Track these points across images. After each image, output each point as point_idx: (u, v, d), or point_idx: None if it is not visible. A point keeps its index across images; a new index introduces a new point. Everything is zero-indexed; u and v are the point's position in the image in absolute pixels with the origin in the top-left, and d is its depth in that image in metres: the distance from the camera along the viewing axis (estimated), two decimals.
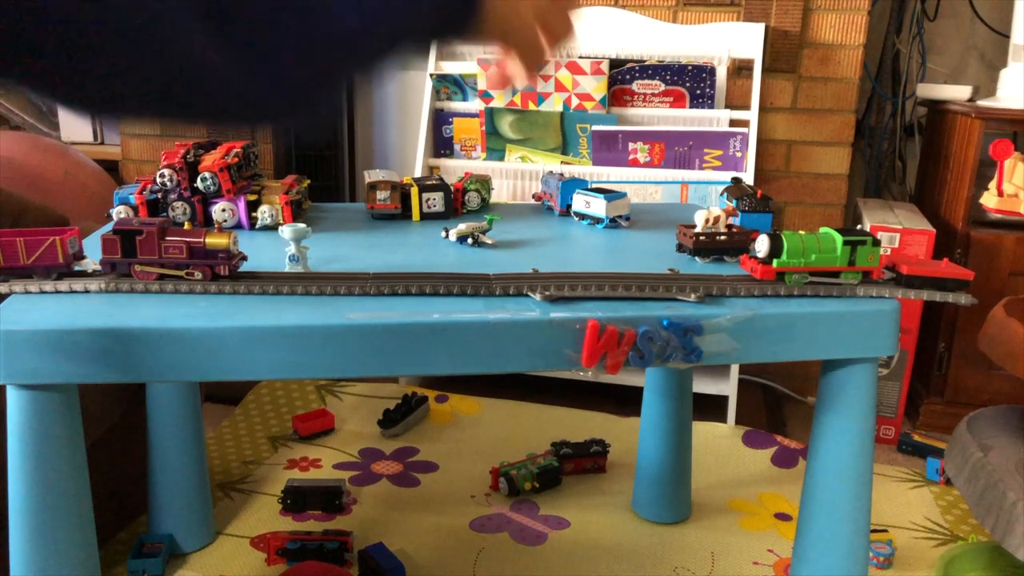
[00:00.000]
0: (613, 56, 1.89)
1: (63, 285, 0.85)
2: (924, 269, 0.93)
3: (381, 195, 1.24)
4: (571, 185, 1.29)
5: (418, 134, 2.08)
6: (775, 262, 0.91)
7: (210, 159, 1.14)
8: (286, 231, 0.96)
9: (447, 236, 1.14)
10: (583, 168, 1.87)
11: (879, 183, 2.26)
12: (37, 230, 0.86)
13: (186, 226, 0.89)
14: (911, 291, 0.93)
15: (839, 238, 0.91)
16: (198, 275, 0.87)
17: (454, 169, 1.94)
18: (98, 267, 0.88)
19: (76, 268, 0.88)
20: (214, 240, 0.86)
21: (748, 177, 1.77)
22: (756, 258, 0.93)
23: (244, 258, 0.90)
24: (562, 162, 1.91)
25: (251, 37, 0.48)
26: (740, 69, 1.94)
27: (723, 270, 1.01)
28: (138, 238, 0.86)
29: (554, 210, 1.32)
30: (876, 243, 0.92)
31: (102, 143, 2.51)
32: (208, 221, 1.15)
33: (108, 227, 1.14)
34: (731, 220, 1.12)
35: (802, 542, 1.03)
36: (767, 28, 1.91)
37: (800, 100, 1.96)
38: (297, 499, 1.47)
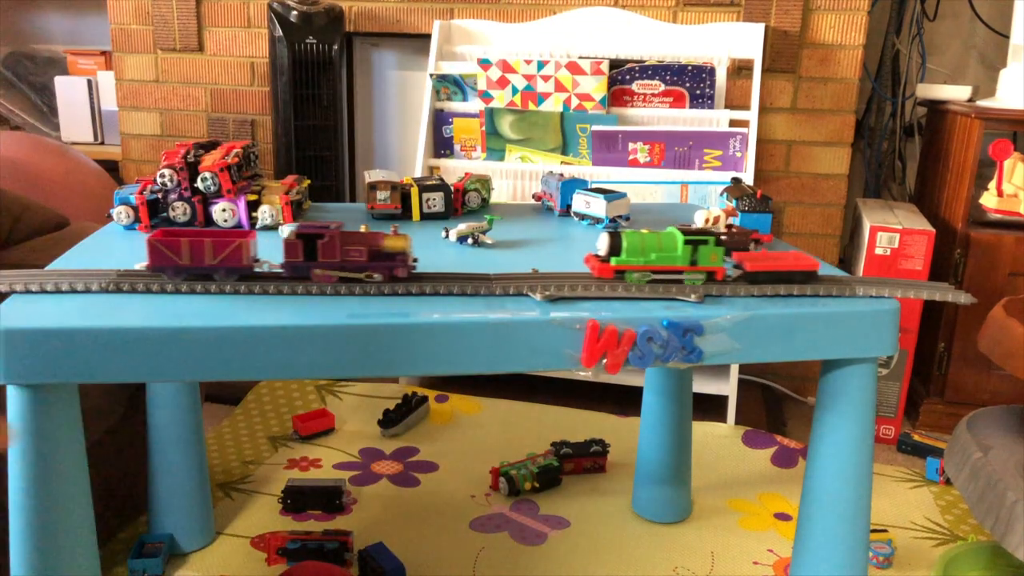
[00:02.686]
0: (613, 56, 1.89)
1: (64, 285, 0.85)
2: (768, 264, 0.91)
3: (381, 195, 1.24)
4: (571, 185, 1.29)
5: (418, 134, 2.08)
6: (614, 260, 0.89)
7: (210, 159, 1.14)
8: (286, 231, 0.96)
9: (447, 236, 1.14)
10: (583, 168, 1.87)
11: (879, 183, 2.26)
12: (222, 232, 0.88)
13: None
14: (754, 287, 0.91)
15: (680, 237, 0.90)
16: (377, 277, 0.88)
17: (454, 169, 1.94)
18: (277, 268, 0.89)
19: (256, 271, 0.89)
20: (392, 243, 0.88)
21: (748, 177, 1.77)
22: (597, 256, 0.91)
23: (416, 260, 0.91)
24: (562, 162, 1.91)
25: None
26: (740, 69, 1.94)
27: None
28: (320, 242, 0.86)
29: (554, 210, 1.32)
30: (719, 243, 0.91)
31: (102, 143, 2.51)
32: (208, 221, 1.15)
33: (108, 227, 1.14)
34: (731, 220, 1.12)
35: (802, 542, 1.03)
36: (767, 28, 1.91)
37: (800, 100, 1.96)
38: (297, 499, 1.47)
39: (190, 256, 0.86)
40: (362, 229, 0.89)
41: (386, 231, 0.90)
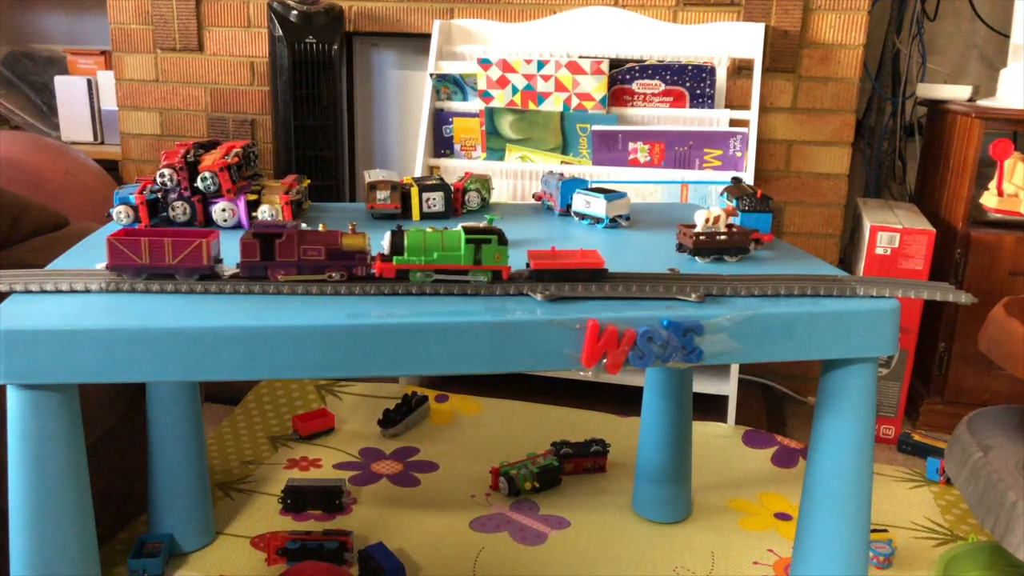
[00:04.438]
0: (613, 56, 1.89)
1: (64, 285, 0.85)
2: (553, 263, 0.90)
3: (381, 195, 1.24)
4: (571, 185, 1.29)
5: (418, 134, 2.08)
6: (396, 260, 0.88)
7: (210, 159, 1.14)
8: None
9: None
10: (583, 168, 1.87)
11: (879, 183, 2.26)
12: (182, 231, 0.87)
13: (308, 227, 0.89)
14: (539, 284, 0.90)
15: (462, 236, 0.89)
16: (336, 276, 0.87)
17: (454, 169, 1.94)
18: (235, 271, 0.88)
19: (219, 268, 0.89)
20: (351, 241, 0.87)
21: (748, 177, 1.77)
22: (380, 255, 0.90)
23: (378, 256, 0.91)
24: (562, 162, 1.91)
25: None
26: (740, 69, 1.94)
27: (723, 270, 1.01)
28: (277, 241, 0.86)
29: (554, 210, 1.32)
30: (502, 242, 0.90)
31: (102, 143, 2.51)
32: (208, 221, 1.15)
33: (108, 227, 1.14)
34: (731, 220, 1.12)
35: (802, 542, 1.03)
36: (767, 28, 1.91)
37: (800, 100, 1.96)
38: (297, 499, 1.47)
39: (149, 256, 0.85)
40: (320, 228, 0.88)
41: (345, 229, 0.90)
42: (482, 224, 0.93)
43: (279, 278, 0.87)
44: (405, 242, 0.88)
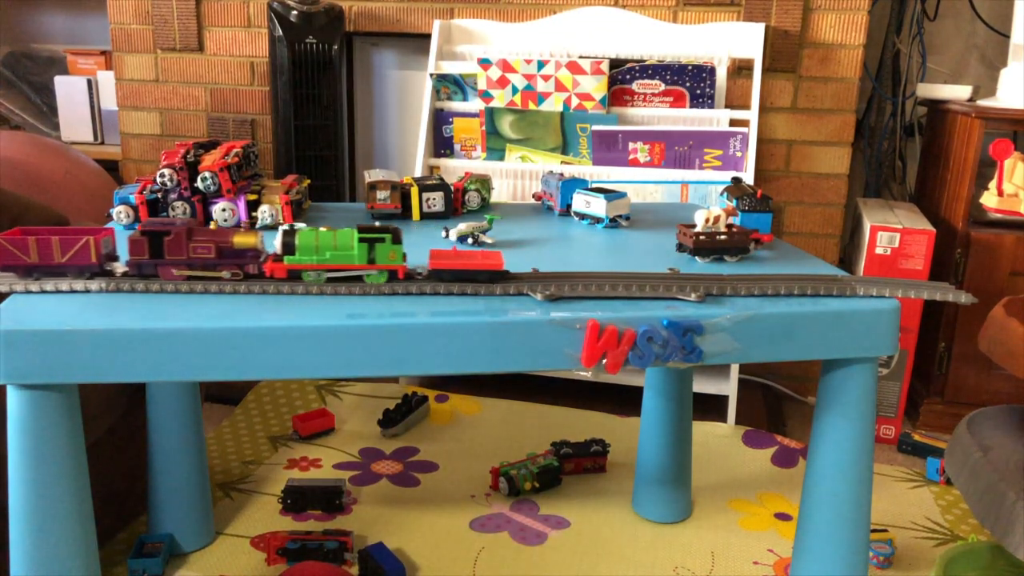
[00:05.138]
0: (613, 56, 1.89)
1: (63, 285, 0.85)
2: (452, 263, 0.89)
3: (381, 195, 1.24)
4: (571, 185, 1.29)
5: (418, 134, 2.08)
6: (287, 259, 0.88)
7: (210, 159, 1.14)
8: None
9: (447, 236, 1.14)
10: (583, 168, 1.87)
11: (879, 183, 2.26)
12: (72, 228, 0.85)
13: (213, 226, 0.89)
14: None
15: (355, 235, 0.88)
16: (227, 274, 0.87)
17: (454, 169, 1.94)
18: (126, 269, 0.88)
19: (107, 268, 0.87)
20: (242, 239, 0.86)
21: (748, 177, 1.77)
22: (272, 255, 0.89)
23: (270, 256, 0.90)
24: (562, 162, 1.91)
25: None
26: (740, 69, 1.94)
27: (723, 270, 1.01)
28: (166, 239, 0.85)
29: (554, 210, 1.32)
30: (397, 240, 0.88)
31: (102, 143, 2.51)
32: (208, 221, 1.15)
33: (107, 227, 1.14)
34: (731, 220, 1.12)
35: (802, 542, 1.03)
36: (767, 28, 1.91)
37: (800, 100, 1.96)
38: (297, 499, 1.47)
39: (38, 255, 0.84)
40: (211, 226, 0.88)
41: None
42: (378, 224, 0.93)
43: (169, 276, 0.86)
44: (297, 241, 0.87)
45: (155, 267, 0.86)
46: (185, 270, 0.86)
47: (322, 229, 0.88)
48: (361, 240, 0.87)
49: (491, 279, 0.90)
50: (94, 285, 0.86)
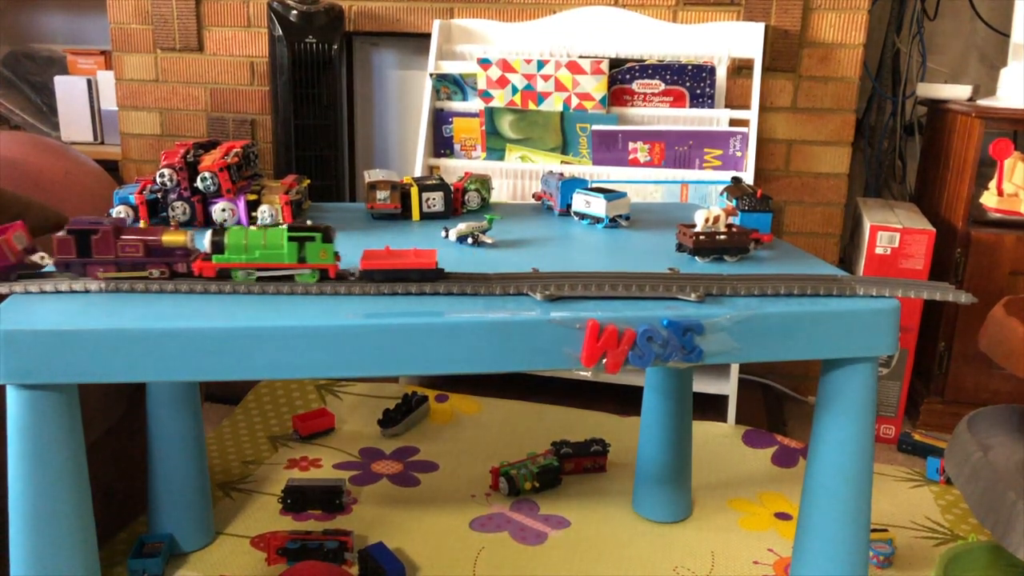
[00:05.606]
0: (613, 56, 1.89)
1: (63, 285, 0.85)
2: (383, 262, 0.89)
3: (381, 195, 1.24)
4: (571, 185, 1.29)
5: (418, 134, 2.08)
6: (216, 258, 0.87)
7: (210, 159, 1.14)
8: None
9: (447, 236, 1.14)
10: (583, 168, 1.87)
11: (879, 182, 2.26)
12: None
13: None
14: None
15: (285, 234, 0.87)
16: (155, 273, 0.86)
17: (454, 169, 1.94)
18: (52, 269, 0.86)
19: (31, 259, 0.86)
20: (171, 238, 0.85)
21: (748, 177, 1.77)
22: (202, 254, 0.89)
23: (199, 255, 0.89)
24: (562, 162, 1.91)
25: None
26: (740, 69, 1.94)
27: (723, 269, 1.01)
28: (93, 237, 0.84)
29: (554, 210, 1.32)
30: (327, 239, 0.88)
31: (102, 143, 2.51)
32: (208, 221, 1.15)
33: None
34: (731, 220, 1.12)
35: (802, 541, 1.03)
36: (767, 27, 1.91)
37: (800, 99, 1.96)
38: (297, 499, 1.47)
39: None
40: (141, 224, 0.87)
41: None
42: (309, 223, 0.92)
43: (97, 276, 0.85)
44: (226, 240, 0.86)
45: (83, 266, 0.85)
46: (113, 269, 0.85)
47: (252, 228, 0.88)
48: (291, 239, 0.87)
49: (423, 278, 0.89)
50: (94, 285, 0.86)
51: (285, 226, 0.88)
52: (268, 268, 0.87)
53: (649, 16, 1.93)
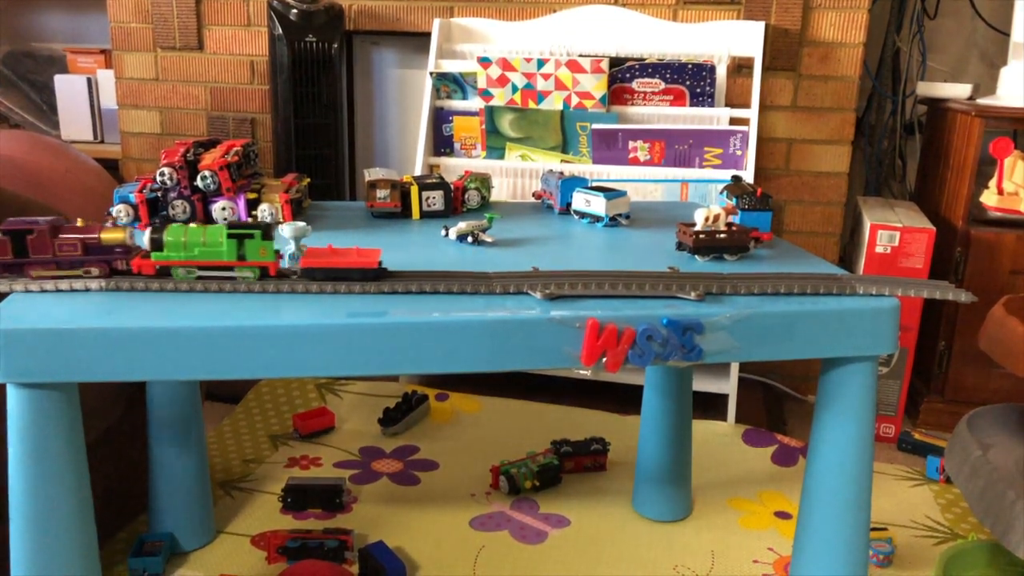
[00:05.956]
0: (613, 54, 1.89)
1: (63, 285, 0.85)
2: (324, 261, 0.88)
3: (381, 193, 1.24)
4: (571, 183, 1.29)
5: (418, 132, 2.08)
6: (154, 256, 0.86)
7: (210, 158, 1.14)
8: (286, 230, 0.96)
9: (447, 234, 1.14)
10: (583, 167, 1.87)
11: (879, 181, 2.26)
12: None
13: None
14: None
15: (224, 231, 0.86)
16: (95, 271, 0.85)
17: (454, 167, 1.94)
18: None
19: None
20: (109, 235, 0.85)
21: (748, 175, 1.77)
22: (141, 251, 0.88)
23: (139, 252, 0.88)
24: (562, 160, 1.91)
25: None
26: (740, 67, 1.94)
27: (723, 268, 1.01)
28: (29, 237, 0.84)
29: (554, 208, 1.32)
30: (267, 237, 0.87)
31: (102, 141, 2.51)
32: (208, 219, 1.15)
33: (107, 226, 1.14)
34: (731, 218, 1.12)
35: (802, 540, 1.03)
36: (767, 26, 1.90)
37: (800, 98, 1.96)
38: (297, 497, 1.47)
39: None
40: (78, 223, 0.87)
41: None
42: (250, 220, 0.92)
43: (33, 275, 0.84)
44: (165, 237, 0.86)
45: (22, 267, 0.84)
46: (53, 268, 0.85)
47: (192, 225, 0.87)
48: (230, 236, 0.86)
49: (363, 278, 0.88)
50: (94, 284, 0.86)
51: (225, 224, 0.87)
52: (208, 266, 0.87)
53: (649, 15, 1.93)
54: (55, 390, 0.79)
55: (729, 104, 1.92)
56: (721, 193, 1.20)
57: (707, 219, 1.06)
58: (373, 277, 0.89)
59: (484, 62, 1.89)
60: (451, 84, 1.96)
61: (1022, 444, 1.22)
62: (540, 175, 1.89)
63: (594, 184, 1.28)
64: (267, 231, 0.87)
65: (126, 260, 0.86)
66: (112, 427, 1.31)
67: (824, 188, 2.00)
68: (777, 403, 2.04)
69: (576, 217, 1.27)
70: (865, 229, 1.78)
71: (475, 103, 1.95)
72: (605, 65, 1.84)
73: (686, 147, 1.83)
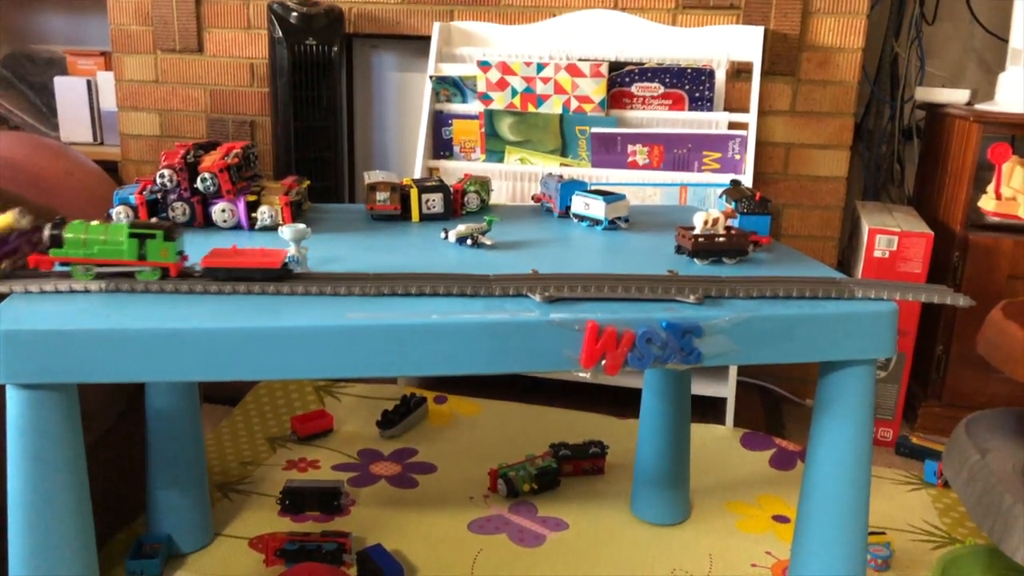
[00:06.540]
0: (612, 59, 1.89)
1: (63, 285, 0.85)
2: (226, 260, 0.87)
3: (381, 196, 1.24)
4: (570, 187, 1.29)
5: (418, 136, 2.08)
6: (53, 252, 0.85)
7: (210, 160, 1.14)
8: (286, 232, 0.96)
9: (446, 237, 1.15)
10: (582, 170, 1.88)
11: (878, 186, 2.27)
12: None
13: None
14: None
15: (126, 230, 0.85)
16: None
17: (453, 170, 1.95)
18: None
19: None
20: None
21: (747, 179, 1.77)
22: (37, 248, 0.87)
23: (41, 240, 0.86)
24: (561, 164, 1.91)
25: None
26: (739, 72, 1.94)
27: (722, 272, 1.01)
28: None
29: (553, 212, 1.32)
30: (169, 238, 0.86)
31: (102, 144, 2.51)
32: (208, 222, 1.15)
33: None
34: (730, 222, 1.12)
35: (800, 544, 1.03)
36: (766, 31, 1.91)
37: (799, 103, 1.96)
38: (295, 500, 1.47)
39: None
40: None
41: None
42: (154, 220, 0.90)
43: None
44: (65, 234, 0.85)
45: None
46: None
47: (93, 222, 0.86)
48: (131, 236, 0.85)
49: (265, 278, 0.87)
50: (94, 285, 0.86)
51: (127, 222, 0.86)
52: (108, 264, 0.86)
53: (648, 19, 1.93)
54: (54, 391, 0.79)
55: (728, 108, 1.92)
56: (720, 197, 1.20)
57: (706, 223, 1.06)
58: (275, 277, 0.88)
59: (484, 66, 1.89)
60: (451, 88, 1.97)
61: (1020, 448, 1.22)
62: (539, 178, 1.89)
63: (593, 187, 1.28)
64: (170, 232, 0.85)
65: (30, 247, 0.84)
66: (111, 429, 1.31)
67: (823, 192, 2.00)
68: (775, 407, 2.04)
69: (575, 220, 1.27)
70: (863, 233, 1.78)
71: (475, 106, 1.95)
72: (604, 69, 1.84)
73: (685, 151, 1.83)
